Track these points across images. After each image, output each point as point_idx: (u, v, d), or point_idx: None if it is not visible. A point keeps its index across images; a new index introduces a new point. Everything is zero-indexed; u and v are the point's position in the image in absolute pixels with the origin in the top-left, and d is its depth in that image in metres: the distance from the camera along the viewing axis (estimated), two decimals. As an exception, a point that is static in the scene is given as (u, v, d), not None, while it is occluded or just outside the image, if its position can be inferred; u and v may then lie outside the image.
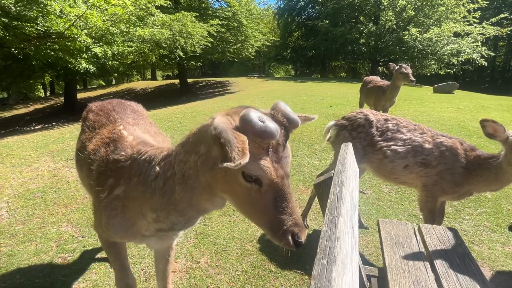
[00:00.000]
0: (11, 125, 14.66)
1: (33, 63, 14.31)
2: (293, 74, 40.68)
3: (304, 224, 2.94)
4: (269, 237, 0.99)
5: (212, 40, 15.98)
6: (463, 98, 11.50)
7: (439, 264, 1.62)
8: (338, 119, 2.87)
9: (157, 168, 1.20)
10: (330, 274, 0.74)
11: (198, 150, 1.07)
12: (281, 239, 0.95)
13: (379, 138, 2.53)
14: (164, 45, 13.66)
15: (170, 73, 37.83)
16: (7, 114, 18.94)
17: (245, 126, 0.93)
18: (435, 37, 19.32)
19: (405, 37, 20.13)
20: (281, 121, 0.99)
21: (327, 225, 0.98)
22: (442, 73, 22.48)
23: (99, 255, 2.57)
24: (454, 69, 22.17)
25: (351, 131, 2.67)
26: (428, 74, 22.62)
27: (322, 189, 1.52)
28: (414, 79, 4.90)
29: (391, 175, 2.51)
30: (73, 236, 2.84)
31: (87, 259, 2.52)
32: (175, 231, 1.35)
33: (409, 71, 4.90)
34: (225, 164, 0.84)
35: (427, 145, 2.36)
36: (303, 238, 0.95)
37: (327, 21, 23.89)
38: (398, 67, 4.95)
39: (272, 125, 0.93)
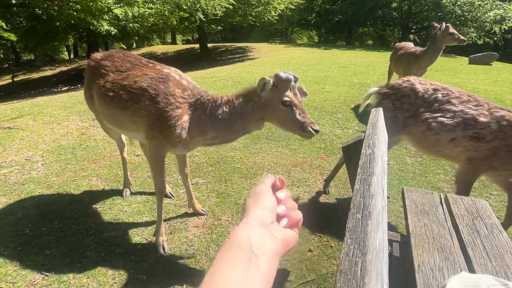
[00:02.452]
0: (40, 86, 15.20)
1: (57, 24, 14.43)
2: (316, 41, 38.79)
3: (325, 191, 2.91)
4: (300, 135, 1.77)
5: (233, 2, 15.31)
6: (502, 70, 10.62)
7: (466, 233, 1.59)
8: (381, 87, 2.69)
9: (225, 108, 1.87)
10: (366, 228, 0.73)
11: (254, 99, 1.82)
12: (305, 131, 1.71)
13: (425, 109, 2.35)
14: (185, 7, 13.28)
15: (190, 38, 37.07)
16: (35, 75, 19.58)
17: (277, 78, 1.72)
18: (478, 1, 17.50)
19: (443, 1, 18.38)
20: (294, 76, 1.75)
21: (360, 183, 0.96)
22: (480, 42, 20.58)
23: (127, 209, 2.72)
24: (495, 38, 20.24)
25: (394, 100, 2.49)
26: (465, 43, 20.83)
27: (351, 152, 1.48)
28: (464, 38, 4.50)
29: (433, 148, 2.37)
30: (103, 189, 3.01)
31: (116, 211, 2.69)
32: (221, 144, 2.10)
33: (454, 30, 4.52)
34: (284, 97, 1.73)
35: (482, 119, 2.17)
36: (317, 127, 1.73)
37: (357, -18, 22.13)
38: (445, 26, 4.53)
39: (290, 75, 1.71)
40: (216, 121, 1.88)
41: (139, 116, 2.01)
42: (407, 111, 2.43)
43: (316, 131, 1.70)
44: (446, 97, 2.33)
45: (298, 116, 1.71)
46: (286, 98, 1.71)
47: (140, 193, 2.95)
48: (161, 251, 2.19)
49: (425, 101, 2.39)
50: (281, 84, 1.72)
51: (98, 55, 2.43)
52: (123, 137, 2.87)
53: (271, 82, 1.72)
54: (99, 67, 2.27)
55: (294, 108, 1.72)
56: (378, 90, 2.65)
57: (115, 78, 2.15)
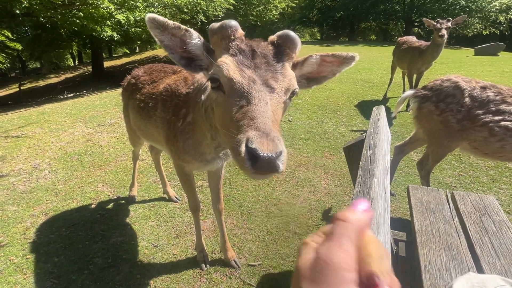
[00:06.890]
0: (46, 93, 15.41)
1: (61, 32, 14.62)
2: (319, 38, 38.56)
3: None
4: (233, 159, 0.78)
5: (234, 2, 15.31)
6: (509, 60, 10.41)
7: (473, 231, 1.56)
8: (417, 89, 2.50)
9: (202, 98, 1.40)
10: (365, 233, 0.72)
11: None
12: (235, 153, 0.69)
13: (480, 111, 2.14)
14: (186, 10, 13.32)
15: (192, 40, 37.17)
16: (41, 83, 19.86)
17: (210, 31, 0.97)
18: (482, -10, 17.19)
19: (447, -8, 18.10)
20: (271, 39, 0.95)
21: (360, 186, 0.95)
22: (486, 33, 20.21)
23: (133, 214, 2.74)
24: (501, 28, 19.85)
25: (437, 102, 2.30)
26: (470, 34, 20.41)
27: (352, 153, 1.46)
28: (443, 33, 4.29)
29: (496, 154, 2.20)
30: (109, 195, 3.04)
31: (122, 216, 2.71)
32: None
33: (443, 26, 4.35)
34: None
35: None
36: (261, 147, 0.65)
37: (358, -23, 21.92)
38: (435, 22, 4.47)
39: (226, 21, 0.92)
40: (204, 117, 1.41)
41: (158, 127, 1.87)
42: (458, 112, 2.22)
43: (251, 157, 0.67)
44: (499, 96, 2.14)
45: (233, 112, 0.79)
46: (212, 71, 0.89)
47: (146, 198, 2.97)
48: (203, 266, 2.12)
49: (475, 100, 2.19)
50: (214, 41, 0.95)
51: (139, 71, 2.32)
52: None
53: (197, 39, 0.98)
54: (138, 83, 2.19)
55: (229, 96, 0.83)
56: (414, 94, 2.45)
57: (149, 89, 2.04)
